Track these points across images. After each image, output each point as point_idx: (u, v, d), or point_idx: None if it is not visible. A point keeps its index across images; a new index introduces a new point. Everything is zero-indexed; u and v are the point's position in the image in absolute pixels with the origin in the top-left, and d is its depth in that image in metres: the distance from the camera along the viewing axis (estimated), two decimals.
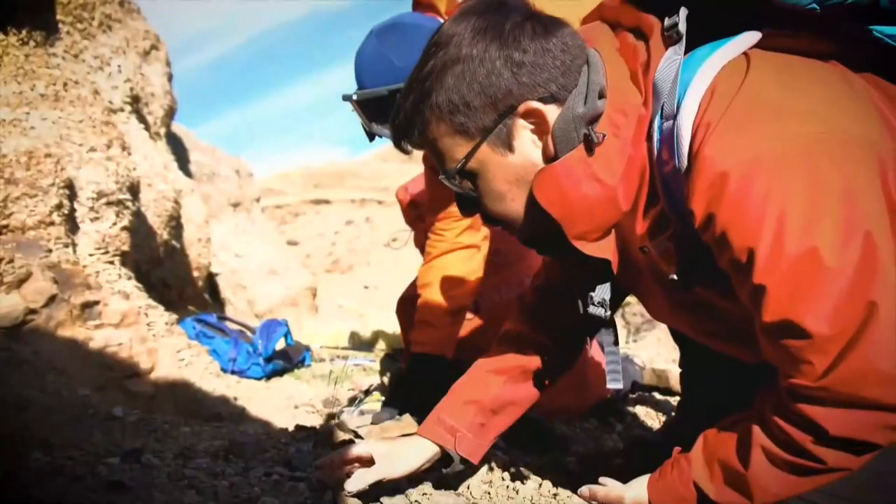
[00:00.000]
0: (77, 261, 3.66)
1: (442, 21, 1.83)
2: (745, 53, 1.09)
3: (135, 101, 6.24)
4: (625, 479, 1.37)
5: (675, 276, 1.19)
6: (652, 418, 2.70)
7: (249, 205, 12.45)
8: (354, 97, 1.86)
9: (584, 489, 1.40)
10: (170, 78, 7.92)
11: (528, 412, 2.40)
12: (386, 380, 3.06)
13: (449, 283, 2.35)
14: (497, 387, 1.57)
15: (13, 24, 4.21)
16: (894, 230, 0.98)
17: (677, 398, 2.70)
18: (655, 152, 1.12)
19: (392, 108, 1.75)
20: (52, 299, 3.19)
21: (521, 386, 1.60)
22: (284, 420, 3.42)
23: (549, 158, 1.17)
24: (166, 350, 3.88)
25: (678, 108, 1.07)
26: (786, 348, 1.01)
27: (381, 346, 6.63)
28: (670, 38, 1.10)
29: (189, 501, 1.41)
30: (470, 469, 1.53)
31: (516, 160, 1.18)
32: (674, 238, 1.16)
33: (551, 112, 1.14)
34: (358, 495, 1.37)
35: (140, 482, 1.47)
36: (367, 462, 1.42)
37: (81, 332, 3.32)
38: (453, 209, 2.25)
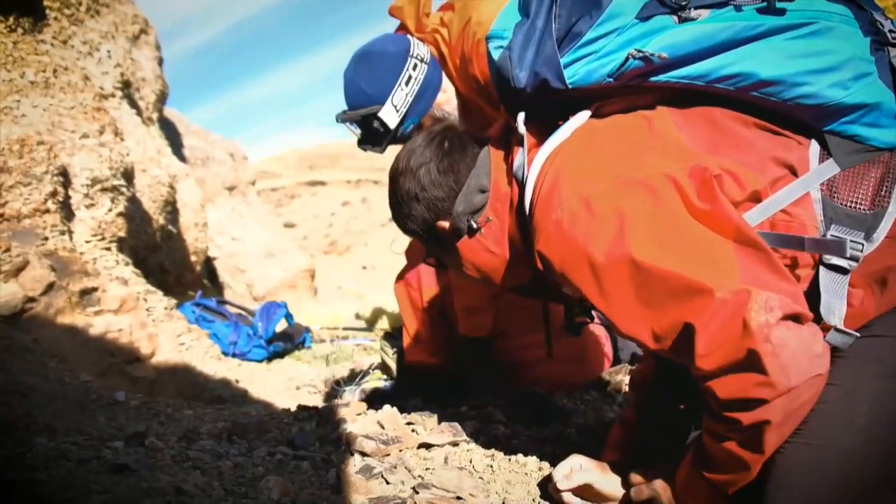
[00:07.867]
0: (74, 248, 3.65)
1: (410, 40, 2.12)
2: (567, 138, 1.38)
3: (126, 86, 6.18)
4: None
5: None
6: None
7: (245, 188, 12.39)
8: (340, 119, 2.14)
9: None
10: (160, 62, 7.85)
11: (528, 386, 2.43)
12: (387, 359, 3.06)
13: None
14: None
15: (0, 12, 4.16)
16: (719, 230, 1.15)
17: None
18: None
19: (369, 130, 2.12)
20: (50, 287, 3.19)
21: None
22: (286, 401, 3.44)
23: None
24: (166, 335, 3.90)
25: (525, 190, 1.41)
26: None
27: (381, 325, 6.64)
28: (519, 140, 1.45)
29: (194, 482, 1.42)
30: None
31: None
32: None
33: None
34: None
35: (144, 465, 1.48)
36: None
37: (81, 319, 3.33)
38: None
